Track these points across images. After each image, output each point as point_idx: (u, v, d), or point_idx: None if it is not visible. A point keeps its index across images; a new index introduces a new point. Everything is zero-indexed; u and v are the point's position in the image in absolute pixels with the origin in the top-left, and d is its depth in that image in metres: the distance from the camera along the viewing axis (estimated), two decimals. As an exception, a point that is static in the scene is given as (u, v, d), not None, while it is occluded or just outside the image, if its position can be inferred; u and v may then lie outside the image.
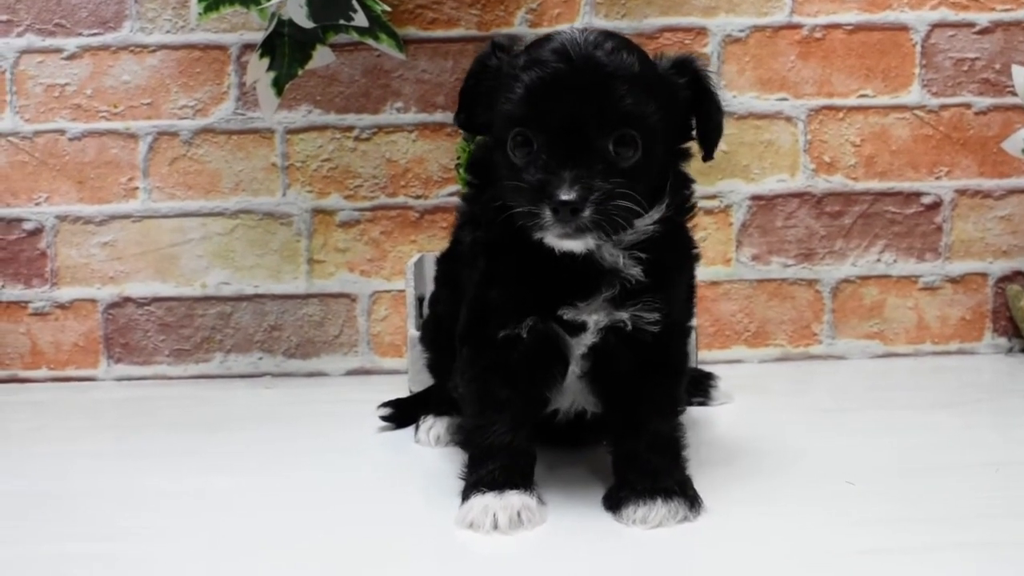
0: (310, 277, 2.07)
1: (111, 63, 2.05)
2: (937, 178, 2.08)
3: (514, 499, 1.19)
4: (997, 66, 2.07)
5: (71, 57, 2.04)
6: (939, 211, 2.09)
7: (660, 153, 1.20)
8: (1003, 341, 2.12)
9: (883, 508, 1.24)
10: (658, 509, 1.18)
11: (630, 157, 1.15)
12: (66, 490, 1.38)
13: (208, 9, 1.78)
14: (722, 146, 1.87)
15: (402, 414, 1.65)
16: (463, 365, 1.29)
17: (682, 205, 1.28)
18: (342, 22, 1.76)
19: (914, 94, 2.07)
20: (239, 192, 2.06)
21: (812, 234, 2.09)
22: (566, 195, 1.09)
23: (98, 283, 2.06)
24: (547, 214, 1.11)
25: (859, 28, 2.06)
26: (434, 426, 1.56)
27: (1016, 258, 2.10)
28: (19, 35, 2.04)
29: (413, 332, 1.83)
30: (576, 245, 1.15)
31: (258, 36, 1.85)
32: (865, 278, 2.10)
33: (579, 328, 1.23)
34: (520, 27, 2.04)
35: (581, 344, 1.25)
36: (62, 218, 2.05)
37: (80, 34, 2.04)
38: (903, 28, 2.06)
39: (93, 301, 2.07)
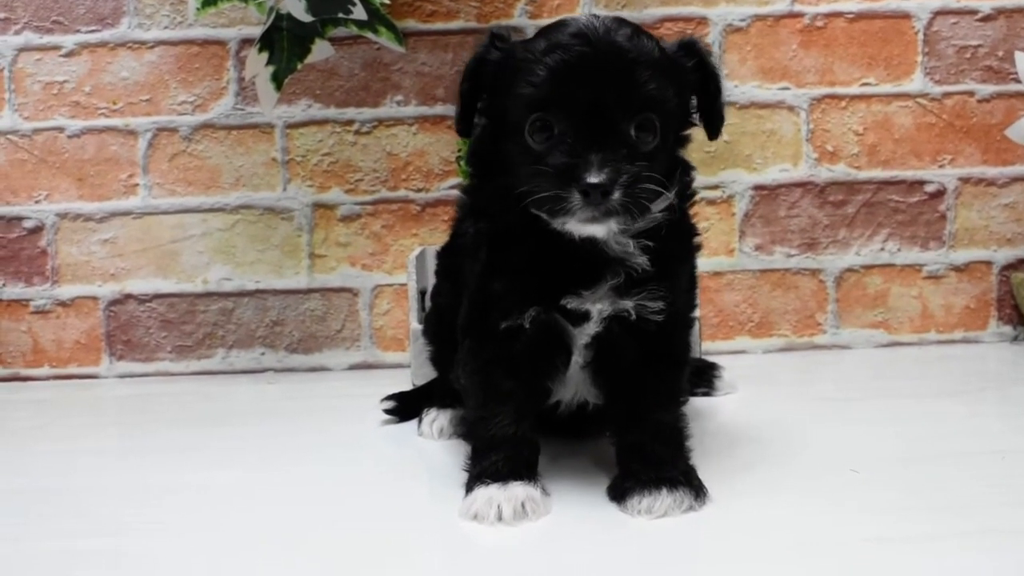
0: (311, 272, 2.06)
1: (109, 60, 2.04)
2: (940, 166, 2.07)
3: (518, 490, 1.19)
4: (1000, 53, 2.06)
5: (69, 54, 2.04)
6: (943, 199, 2.08)
7: (672, 138, 1.21)
8: (1008, 329, 2.11)
9: (887, 496, 1.24)
10: (663, 499, 1.17)
11: (650, 142, 1.16)
12: (69, 487, 1.38)
13: (206, 4, 1.78)
14: (724, 136, 1.88)
15: (405, 407, 1.65)
16: (465, 357, 1.29)
17: (685, 192, 1.27)
18: (341, 15, 1.76)
19: (917, 82, 2.06)
20: (239, 187, 2.05)
21: (815, 223, 2.08)
22: (596, 177, 1.09)
23: (99, 280, 2.06)
24: (576, 197, 1.10)
25: (861, 16, 2.05)
26: (437, 419, 1.55)
27: (1021, 246, 2.09)
28: (17, 33, 2.03)
29: (415, 325, 1.82)
30: (599, 230, 1.15)
31: (257, 30, 1.84)
32: (869, 267, 2.09)
33: (582, 318, 1.22)
34: (520, 19, 2.03)
35: (584, 334, 1.24)
36: (62, 216, 2.05)
37: (78, 31, 2.04)
38: (905, 16, 2.05)
39: (94, 298, 2.06)
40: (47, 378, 2.07)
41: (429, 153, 2.05)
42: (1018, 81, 1.96)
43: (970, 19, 2.06)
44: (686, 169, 1.28)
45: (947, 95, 2.07)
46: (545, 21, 1.96)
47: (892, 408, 1.65)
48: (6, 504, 1.32)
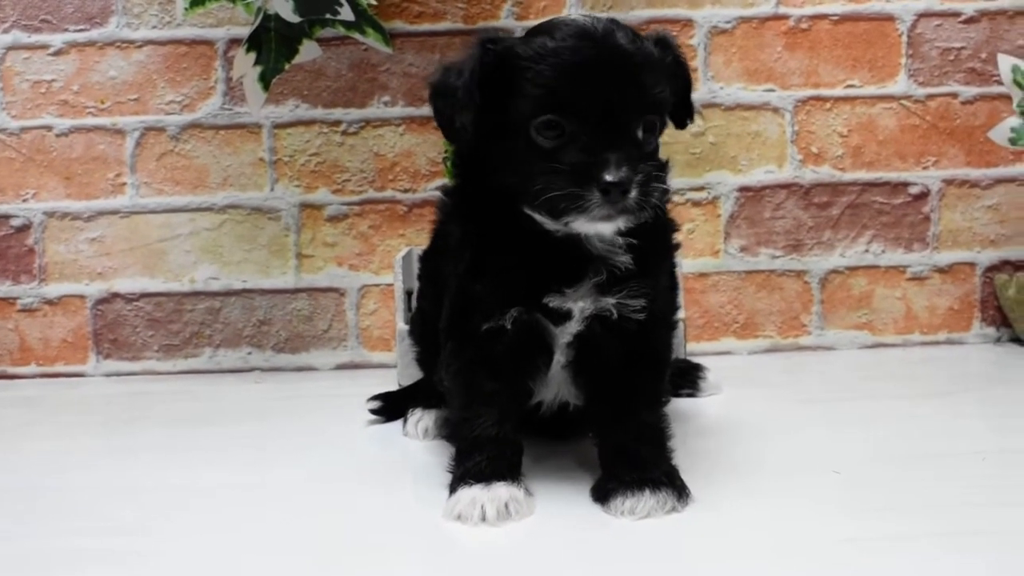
0: (299, 272, 2.07)
1: (97, 59, 2.04)
2: (924, 168, 2.09)
3: (502, 491, 1.19)
4: (983, 55, 2.07)
5: (57, 53, 2.04)
6: (927, 201, 2.09)
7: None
8: (991, 331, 2.12)
9: (869, 497, 1.24)
10: (646, 500, 1.18)
11: (652, 142, 1.20)
12: (55, 486, 1.38)
13: (194, 4, 1.78)
14: (709, 138, 1.89)
15: (391, 407, 1.65)
16: (448, 358, 1.29)
17: (666, 190, 1.28)
18: (328, 16, 1.77)
19: (900, 84, 2.08)
20: (227, 187, 2.06)
21: (800, 225, 2.09)
22: (615, 176, 1.11)
23: (86, 279, 2.06)
24: (595, 196, 1.11)
25: (845, 18, 2.06)
26: (422, 419, 1.56)
27: (1004, 247, 2.11)
28: (5, 31, 2.04)
29: (402, 326, 1.83)
30: (608, 227, 1.16)
31: (244, 31, 1.85)
32: (853, 269, 2.10)
33: (564, 316, 1.23)
34: (506, 20, 2.04)
35: (566, 333, 1.25)
36: (50, 214, 2.05)
37: (66, 30, 2.04)
38: (889, 18, 2.07)
39: (82, 297, 2.07)
40: (34, 376, 2.07)
41: (416, 154, 2.06)
42: (1001, 83, 1.97)
43: (953, 21, 2.07)
44: (665, 166, 1.29)
45: (931, 97, 2.08)
46: (532, 22, 1.97)
47: (876, 409, 1.66)
48: (-8, 503, 1.33)
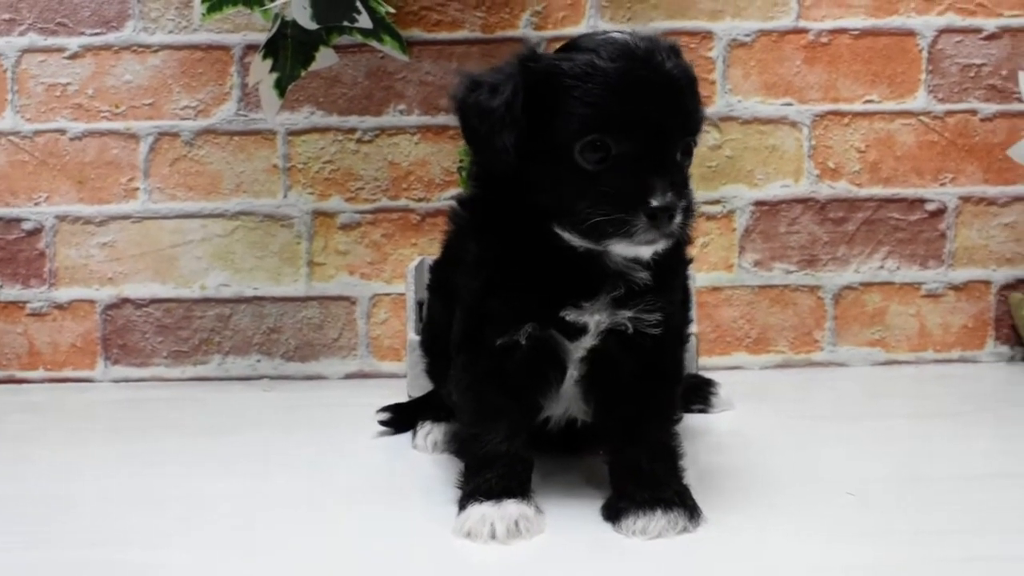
0: (310, 279, 2.06)
1: (113, 63, 2.04)
2: (942, 184, 2.07)
3: (512, 508, 1.18)
4: (1004, 72, 2.06)
5: (73, 56, 2.04)
6: (943, 218, 2.08)
7: None
8: (1005, 349, 2.10)
9: (881, 520, 1.23)
10: (658, 520, 1.17)
11: (688, 164, 1.19)
12: (62, 494, 1.37)
13: (211, 9, 1.78)
14: (726, 151, 1.88)
15: (400, 419, 1.64)
16: (458, 373, 1.28)
17: None
18: (346, 23, 1.76)
19: (920, 100, 2.06)
20: (240, 193, 2.05)
21: (815, 240, 2.07)
22: (662, 201, 1.10)
23: (97, 284, 2.06)
24: (641, 221, 1.11)
25: (865, 33, 2.05)
26: (432, 432, 1.55)
27: (1020, 266, 2.09)
28: (21, 34, 2.03)
29: (413, 336, 1.82)
30: (650, 251, 1.16)
31: (261, 37, 1.84)
32: (868, 285, 2.09)
33: (580, 331, 1.22)
34: (525, 29, 2.03)
35: (580, 347, 1.24)
36: (61, 218, 2.05)
37: (82, 33, 2.03)
38: (910, 33, 2.05)
39: (91, 302, 2.06)
40: (42, 381, 2.07)
41: (431, 163, 2.05)
42: (1021, 101, 1.96)
43: (974, 38, 2.06)
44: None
45: (950, 113, 2.07)
46: (549, 33, 1.99)
47: (889, 428, 1.65)
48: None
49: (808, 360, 2.09)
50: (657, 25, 2.03)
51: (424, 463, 1.50)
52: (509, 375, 1.24)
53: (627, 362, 1.24)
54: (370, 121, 2.05)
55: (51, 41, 2.04)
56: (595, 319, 1.21)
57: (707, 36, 2.05)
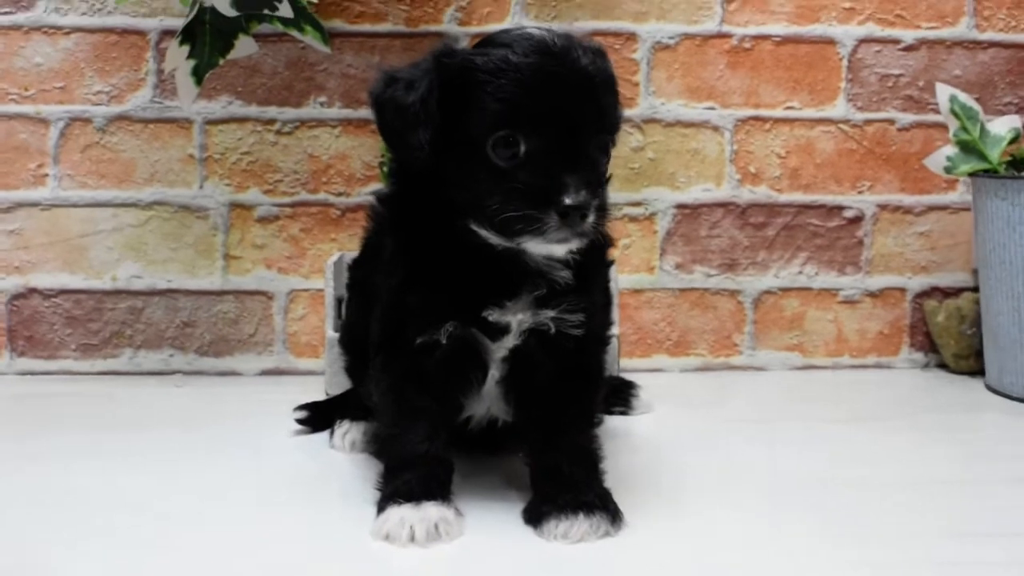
0: (226, 273, 2.01)
1: (22, 44, 1.97)
2: (860, 192, 2.10)
3: (431, 511, 1.16)
4: (921, 83, 2.09)
5: (-20, 36, 1.96)
6: (861, 225, 2.11)
7: None
8: (919, 356, 2.14)
9: (800, 526, 1.24)
10: (580, 524, 1.16)
11: (604, 162, 1.18)
12: (-41, 491, 1.32)
13: (126, -8, 1.72)
14: (649, 153, 1.88)
15: (318, 417, 1.61)
16: (377, 373, 1.26)
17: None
18: (266, 12, 1.72)
19: (839, 108, 2.09)
20: (154, 183, 1.99)
21: (736, 244, 2.09)
22: (574, 200, 1.09)
23: (2, 273, 1.98)
24: (552, 219, 1.09)
25: (787, 40, 2.07)
26: (350, 431, 1.52)
27: (934, 274, 2.13)
28: (-76, 11, 1.95)
29: (331, 333, 1.78)
30: (563, 249, 1.15)
31: (178, 22, 1.79)
32: (787, 290, 2.11)
33: (502, 331, 1.21)
34: (449, 25, 2.01)
35: (502, 347, 1.23)
36: (-35, 204, 1.97)
37: (-10, 13, 1.96)
38: (830, 42, 2.08)
39: (-4, 291, 1.99)
40: (-57, 372, 1.99)
41: (351, 157, 2.02)
42: (937, 112, 1.99)
43: (893, 48, 2.09)
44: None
45: (868, 122, 2.09)
46: (474, 29, 1.97)
47: (807, 432, 1.66)
48: None
49: (727, 364, 2.10)
50: (582, 25, 2.03)
51: (342, 463, 1.47)
52: (429, 375, 1.22)
53: (549, 363, 1.24)
54: (290, 113, 2.01)
55: (-43, 20, 1.96)
56: (517, 319, 1.20)
57: (631, 37, 2.05)
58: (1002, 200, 1.85)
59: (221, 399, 1.85)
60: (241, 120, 2.00)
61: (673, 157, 2.06)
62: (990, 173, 1.90)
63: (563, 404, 1.24)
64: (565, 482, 1.20)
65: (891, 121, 2.10)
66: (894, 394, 1.96)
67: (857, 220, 2.10)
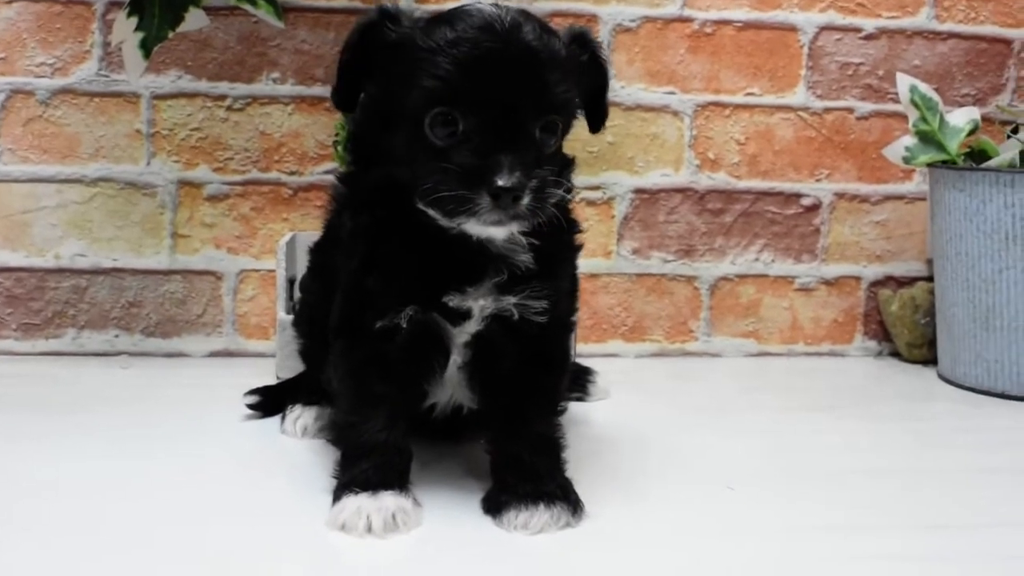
0: (173, 252, 1.96)
1: (-38, 12, 1.90)
2: (817, 180, 2.10)
3: (389, 500, 1.14)
4: (880, 72, 2.09)
5: (-83, 3, 1.89)
6: (818, 213, 2.10)
7: (564, 135, 1.19)
8: (873, 344, 2.15)
9: (758, 515, 1.24)
10: (540, 515, 1.14)
11: (551, 144, 1.14)
12: None
13: (72, -40, 1.66)
14: (608, 137, 1.86)
15: (269, 402, 1.57)
16: (336, 359, 1.23)
17: (569, 189, 1.24)
18: (219, -16, 1.67)
19: (799, 95, 2.08)
20: (99, 159, 1.93)
21: (693, 230, 2.07)
22: (507, 181, 1.05)
23: (-61, 249, 1.92)
24: (485, 200, 1.06)
25: (749, 26, 2.05)
26: (302, 416, 1.49)
27: (889, 263, 2.14)
28: None
29: (283, 315, 1.75)
30: (500, 232, 1.12)
31: (126, -7, 1.73)
32: (743, 277, 2.10)
33: (463, 316, 1.18)
34: (406, 2, 1.97)
35: (464, 332, 1.20)
36: (-99, 177, 1.90)
37: (-72, -22, 1.89)
38: (792, 29, 2.06)
39: (-67, 268, 1.92)
40: None
41: (304, 135, 1.97)
42: (896, 101, 1.99)
43: (854, 36, 2.08)
44: (570, 164, 1.25)
45: (828, 110, 2.09)
46: (432, 7, 1.93)
47: (763, 420, 1.66)
48: None
49: (683, 350, 2.09)
50: (541, 5, 1.99)
51: (293, 448, 1.44)
52: (390, 360, 1.19)
53: (512, 349, 1.21)
54: (241, 88, 1.96)
55: None
56: (479, 304, 1.18)
57: (592, 19, 2.02)
58: (960, 191, 1.85)
59: (168, 381, 1.81)
60: (191, 95, 1.94)
61: (632, 141, 2.04)
62: (948, 164, 1.90)
63: (526, 391, 1.22)
64: (526, 472, 1.18)
65: (850, 110, 2.10)
66: (848, 382, 1.97)
67: (814, 208, 2.10)
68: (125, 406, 1.63)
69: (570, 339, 1.31)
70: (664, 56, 2.04)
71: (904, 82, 1.92)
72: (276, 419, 1.54)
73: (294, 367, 1.63)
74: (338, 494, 1.17)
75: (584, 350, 2.01)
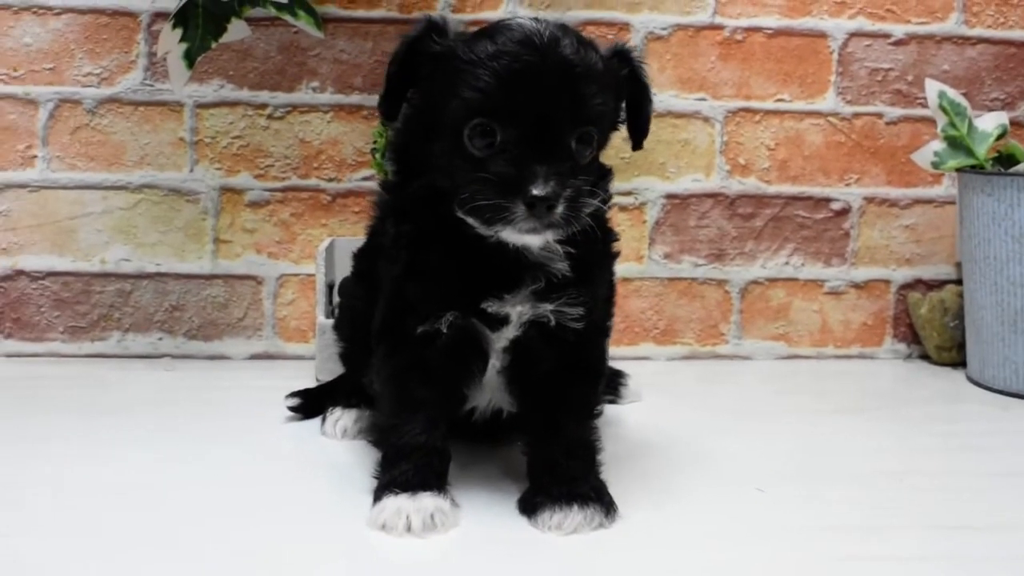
0: (215, 257, 2.01)
1: (11, 23, 1.95)
2: (847, 185, 2.12)
3: (428, 501, 1.17)
4: (910, 78, 2.11)
5: (-32, 16, 1.95)
6: (847, 217, 2.12)
7: (602, 147, 1.22)
8: (902, 347, 2.16)
9: (787, 517, 1.26)
10: (574, 516, 1.17)
11: (587, 155, 1.17)
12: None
13: (119, -25, 1.71)
14: (642, 144, 1.86)
15: (310, 405, 1.61)
16: (379, 363, 1.27)
17: (606, 199, 1.27)
18: (260, -4, 1.72)
19: (829, 101, 2.10)
20: (144, 166, 1.99)
21: (724, 235, 2.10)
22: (542, 190, 1.08)
23: (-10, 254, 1.98)
24: (520, 208, 1.09)
25: (779, 33, 2.08)
26: (341, 418, 1.53)
27: (918, 266, 2.15)
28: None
29: (322, 319, 1.79)
30: (536, 240, 1.15)
31: (170, 5, 1.77)
32: (773, 280, 2.12)
33: (501, 321, 1.21)
34: (442, 11, 2.00)
35: (502, 338, 1.23)
36: (-47, 184, 1.96)
37: (-22, -8, 1.94)
38: (822, 35, 2.09)
39: (-16, 273, 1.98)
40: (-71, 354, 1.98)
41: (343, 143, 2.01)
42: (924, 106, 2.01)
43: (883, 42, 2.10)
44: (607, 175, 1.28)
45: (857, 115, 2.11)
46: (468, 16, 1.97)
47: (793, 423, 1.69)
48: None
49: (713, 352, 2.12)
50: (575, 15, 2.03)
51: (334, 450, 1.48)
52: (431, 364, 1.22)
53: (549, 354, 1.24)
54: (281, 97, 2.00)
55: (-54, -2, 1.94)
56: (517, 310, 1.21)
57: (624, 27, 2.05)
58: (988, 196, 1.87)
59: (210, 383, 1.85)
60: (232, 104, 1.99)
61: (664, 147, 2.07)
62: (977, 169, 1.92)
63: (563, 395, 1.25)
64: (561, 474, 1.21)
65: (879, 115, 2.11)
66: (877, 385, 1.99)
67: (844, 212, 2.12)
68: (168, 407, 1.68)
69: (606, 345, 1.34)
70: (695, 63, 2.07)
71: (932, 88, 1.94)
72: (316, 421, 1.58)
73: (333, 370, 1.67)
74: (378, 494, 1.20)
75: (616, 353, 2.03)
